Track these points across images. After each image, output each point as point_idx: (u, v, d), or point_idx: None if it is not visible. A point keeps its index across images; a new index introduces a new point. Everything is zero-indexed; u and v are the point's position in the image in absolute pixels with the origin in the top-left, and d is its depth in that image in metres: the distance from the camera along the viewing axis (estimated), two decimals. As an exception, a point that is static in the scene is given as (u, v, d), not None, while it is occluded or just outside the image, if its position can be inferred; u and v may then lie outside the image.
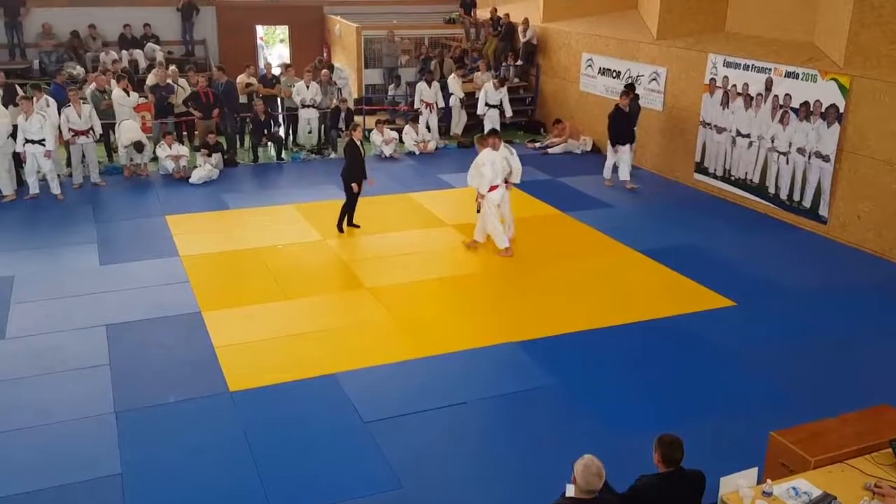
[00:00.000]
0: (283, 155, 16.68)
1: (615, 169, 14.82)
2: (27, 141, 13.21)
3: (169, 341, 8.86)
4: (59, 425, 7.23)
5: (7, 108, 13.75)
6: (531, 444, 7.12)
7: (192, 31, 20.55)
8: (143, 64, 19.08)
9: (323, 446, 7.01)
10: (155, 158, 15.35)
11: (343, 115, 16.85)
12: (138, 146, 14.71)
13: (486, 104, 16.96)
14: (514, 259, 11.38)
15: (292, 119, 17.25)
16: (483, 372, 8.39)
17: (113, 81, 15.50)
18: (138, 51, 19.24)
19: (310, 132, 17.05)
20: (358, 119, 16.93)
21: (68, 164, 14.55)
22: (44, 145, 13.25)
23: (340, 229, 12.23)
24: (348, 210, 12.28)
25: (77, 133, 14.03)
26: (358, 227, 12.31)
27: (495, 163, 11.23)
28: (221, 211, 13.32)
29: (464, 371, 8.36)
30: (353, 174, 12.07)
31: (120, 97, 14.96)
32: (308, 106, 16.84)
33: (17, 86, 15.13)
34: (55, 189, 13.63)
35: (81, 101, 14.26)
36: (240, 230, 12.38)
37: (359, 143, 12.09)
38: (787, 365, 8.54)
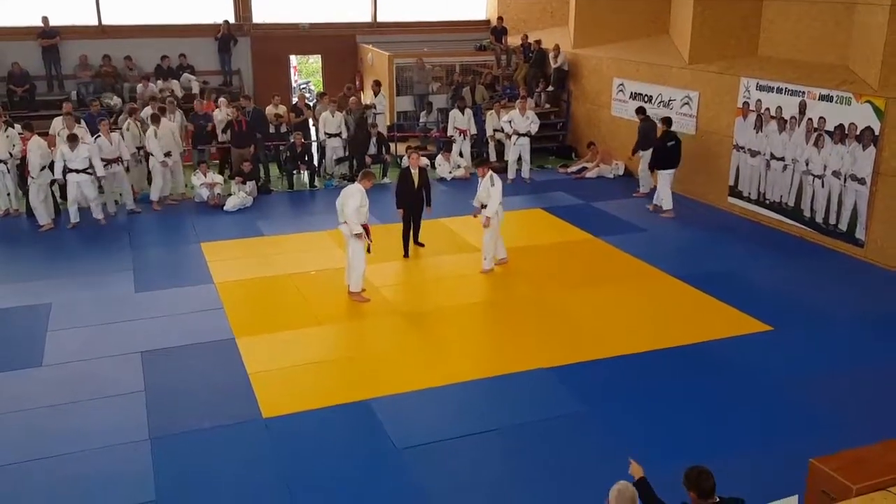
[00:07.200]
0: (316, 182, 16.82)
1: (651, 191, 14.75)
2: (70, 170, 13.41)
3: (203, 368, 8.92)
4: (94, 452, 7.29)
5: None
6: (563, 471, 7.05)
7: (230, 62, 20.84)
8: (179, 94, 19.35)
9: (357, 473, 7.00)
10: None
11: (374, 140, 16.98)
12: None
13: (516, 133, 16.93)
14: (547, 284, 11.34)
15: (323, 147, 17.39)
16: (515, 398, 8.33)
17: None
18: (175, 81, 19.51)
19: (336, 162, 17.18)
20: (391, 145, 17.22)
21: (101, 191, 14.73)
22: (88, 174, 13.49)
23: (406, 254, 12.57)
24: (405, 234, 12.59)
25: (108, 161, 14.19)
26: (422, 245, 12.72)
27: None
28: (255, 238, 13.43)
29: (496, 397, 8.33)
30: (400, 200, 12.50)
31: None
32: (333, 135, 17.00)
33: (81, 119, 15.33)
34: (98, 214, 13.80)
35: (110, 130, 14.44)
36: (273, 256, 12.46)
37: (413, 172, 12.30)
38: (825, 390, 8.40)
